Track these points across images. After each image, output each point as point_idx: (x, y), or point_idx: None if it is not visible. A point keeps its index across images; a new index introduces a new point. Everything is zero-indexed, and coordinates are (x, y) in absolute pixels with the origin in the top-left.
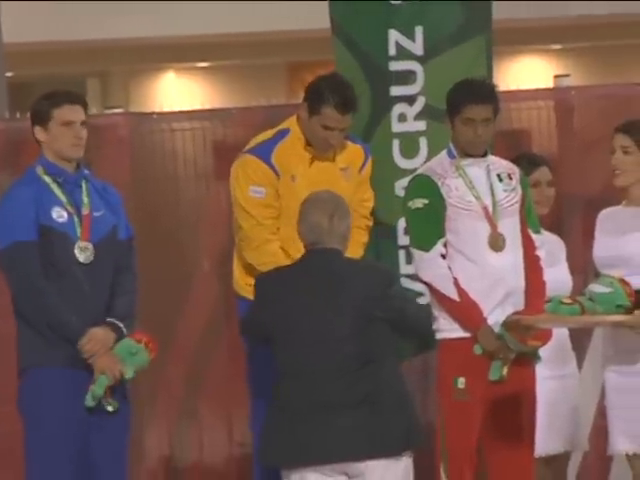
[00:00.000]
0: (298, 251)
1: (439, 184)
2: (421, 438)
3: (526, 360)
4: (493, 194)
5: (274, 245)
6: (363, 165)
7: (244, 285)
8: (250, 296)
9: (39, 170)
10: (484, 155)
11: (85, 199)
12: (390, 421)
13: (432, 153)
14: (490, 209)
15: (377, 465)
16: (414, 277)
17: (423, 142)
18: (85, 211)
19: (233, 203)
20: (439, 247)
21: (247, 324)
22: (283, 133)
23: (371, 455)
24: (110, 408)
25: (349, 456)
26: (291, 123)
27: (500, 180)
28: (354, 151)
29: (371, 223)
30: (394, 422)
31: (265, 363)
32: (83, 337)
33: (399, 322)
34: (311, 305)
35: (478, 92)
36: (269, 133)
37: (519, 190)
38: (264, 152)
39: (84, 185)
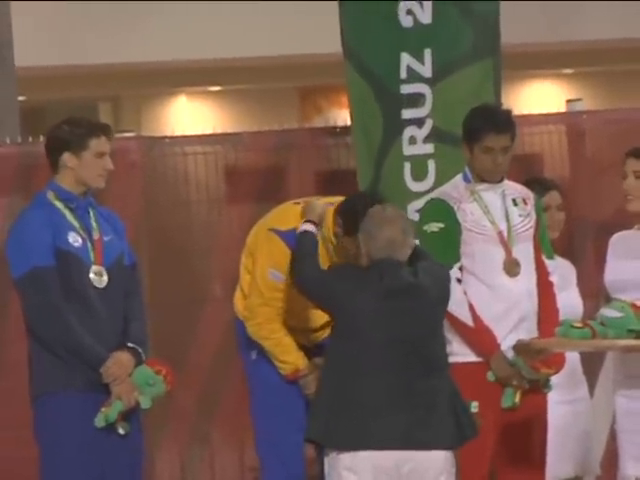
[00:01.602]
0: (299, 320)
1: (455, 208)
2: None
3: (538, 386)
4: (508, 219)
5: (276, 325)
6: None
7: (243, 312)
8: None
9: (50, 195)
10: (499, 180)
11: (94, 224)
12: (445, 418)
13: (439, 176)
14: (505, 234)
15: (435, 465)
16: None
17: (431, 165)
18: (96, 236)
19: (247, 255)
20: (454, 271)
21: (318, 281)
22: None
23: (431, 446)
24: (122, 431)
25: (410, 444)
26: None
27: (515, 205)
28: None
29: None
30: (447, 419)
31: (267, 383)
32: (107, 361)
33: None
34: (383, 309)
35: (498, 121)
36: (299, 219)
37: (533, 215)
38: (293, 241)
39: (91, 211)
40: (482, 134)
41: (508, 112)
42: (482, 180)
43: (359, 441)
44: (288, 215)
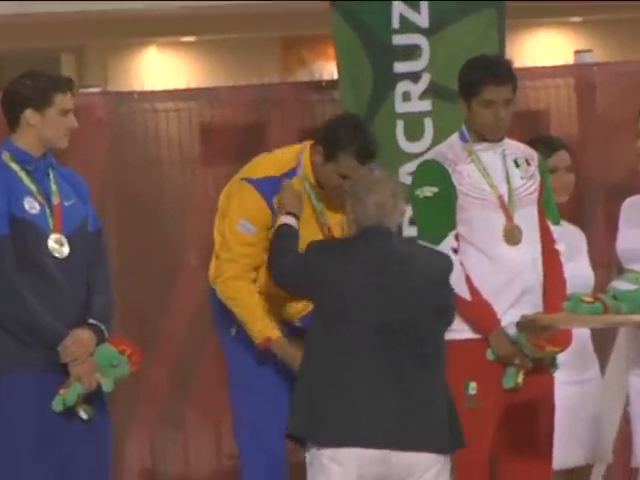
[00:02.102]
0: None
1: (450, 171)
2: (463, 439)
3: (543, 366)
4: (509, 182)
5: (242, 282)
6: None
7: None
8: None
9: (5, 156)
10: (499, 139)
11: (54, 188)
12: (439, 419)
13: (438, 136)
14: (506, 198)
15: (426, 459)
16: None
17: (428, 123)
18: (55, 200)
19: (220, 218)
20: (450, 240)
21: (295, 264)
22: (290, 174)
23: (420, 448)
24: (84, 415)
25: (398, 444)
26: (293, 156)
27: (517, 166)
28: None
29: None
30: (442, 420)
31: (246, 362)
32: (66, 339)
33: (448, 315)
34: (374, 284)
35: (497, 72)
36: (274, 167)
37: (537, 177)
38: (268, 190)
39: (52, 173)
40: (481, 86)
41: (508, 62)
42: (481, 139)
43: (344, 438)
44: (262, 163)
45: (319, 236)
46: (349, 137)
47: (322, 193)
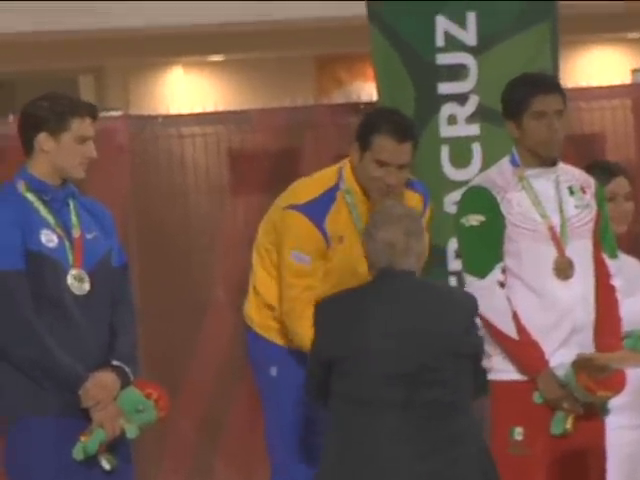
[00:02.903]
0: None
1: (498, 198)
2: None
3: (594, 410)
4: (562, 211)
5: (308, 322)
6: (421, 216)
7: (259, 322)
8: (266, 334)
9: (21, 186)
10: (553, 164)
11: (74, 219)
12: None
13: (487, 162)
14: (558, 229)
15: None
16: None
17: (477, 149)
18: (76, 233)
19: (257, 251)
20: (496, 273)
21: (315, 357)
22: (332, 191)
23: None
24: (107, 465)
25: None
26: (334, 172)
27: (572, 194)
28: (411, 200)
29: None
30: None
31: (286, 402)
32: (87, 381)
33: (477, 360)
34: (386, 334)
35: (544, 82)
36: (316, 187)
37: (594, 206)
38: (317, 214)
39: (72, 204)
40: (529, 98)
41: (552, 76)
42: (534, 162)
43: None
44: (303, 187)
45: (362, 259)
46: (380, 118)
47: (367, 204)
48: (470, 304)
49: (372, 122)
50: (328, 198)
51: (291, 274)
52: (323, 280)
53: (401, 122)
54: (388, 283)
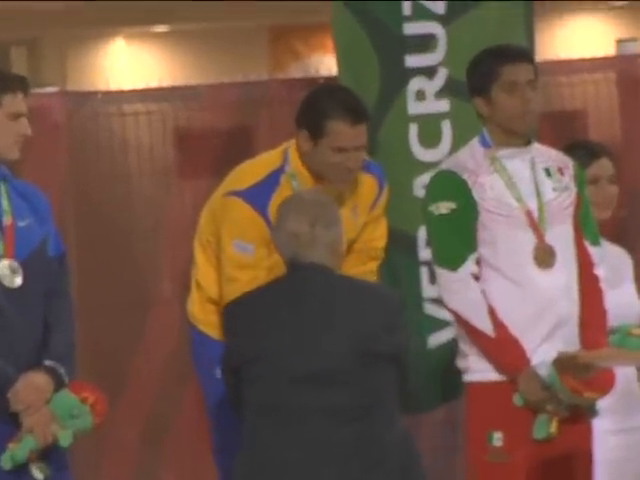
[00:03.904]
0: None
1: (469, 183)
2: None
3: (580, 412)
4: (539, 194)
5: None
6: (376, 200)
7: (203, 319)
8: (211, 331)
9: None
10: (527, 144)
11: (5, 205)
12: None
13: (458, 141)
14: (535, 214)
15: None
16: (440, 302)
17: (446, 127)
18: (7, 220)
19: (198, 242)
20: (469, 265)
21: (226, 364)
22: (277, 174)
23: None
24: (39, 475)
25: None
26: (279, 153)
27: (548, 175)
28: (365, 184)
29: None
30: None
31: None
32: (17, 383)
33: (401, 363)
34: (294, 334)
35: (511, 51)
36: (259, 170)
37: (573, 189)
38: (259, 199)
39: (3, 187)
40: (497, 68)
41: (521, 45)
42: (508, 138)
43: None
44: (245, 171)
45: None
46: (328, 102)
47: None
48: (390, 302)
49: (321, 107)
50: (272, 182)
51: (233, 266)
52: (268, 276)
53: (352, 102)
54: (296, 279)
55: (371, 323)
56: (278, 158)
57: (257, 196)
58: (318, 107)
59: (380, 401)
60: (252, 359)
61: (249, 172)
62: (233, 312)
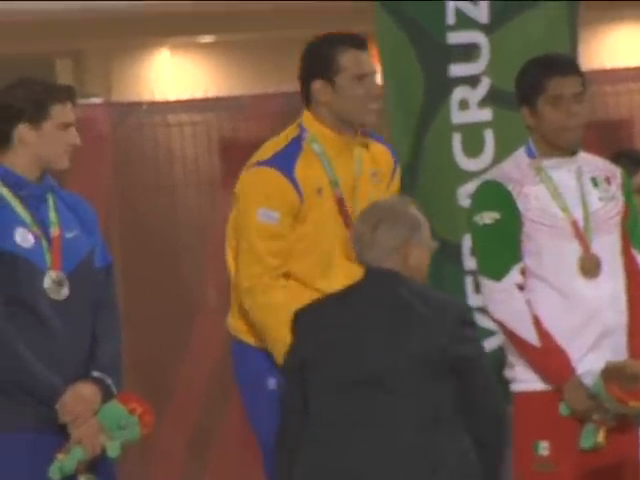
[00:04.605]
0: (329, 285)
1: (514, 194)
2: None
3: (628, 422)
4: (585, 204)
5: (273, 290)
6: (393, 172)
7: (242, 327)
8: (252, 340)
9: None
10: (574, 153)
11: (53, 217)
12: None
13: (500, 150)
14: (581, 224)
15: None
16: (485, 311)
17: (489, 136)
18: (54, 232)
19: (237, 228)
20: (514, 275)
21: (287, 366)
22: (297, 141)
23: None
24: None
25: None
26: (294, 127)
27: (595, 185)
28: (381, 153)
29: None
30: None
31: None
32: (65, 394)
33: (467, 374)
34: (359, 340)
35: (560, 62)
36: (278, 142)
37: (620, 198)
38: (285, 164)
39: (51, 199)
40: (544, 80)
41: (570, 56)
42: (552, 151)
43: None
44: (264, 148)
45: (340, 223)
46: (332, 42)
47: (341, 147)
48: (457, 313)
49: (327, 49)
50: (294, 148)
51: (256, 235)
52: (298, 258)
53: (351, 34)
54: (364, 284)
55: (437, 333)
56: (294, 130)
57: (282, 161)
58: (324, 51)
59: (442, 412)
60: (315, 363)
61: (268, 146)
62: (301, 316)
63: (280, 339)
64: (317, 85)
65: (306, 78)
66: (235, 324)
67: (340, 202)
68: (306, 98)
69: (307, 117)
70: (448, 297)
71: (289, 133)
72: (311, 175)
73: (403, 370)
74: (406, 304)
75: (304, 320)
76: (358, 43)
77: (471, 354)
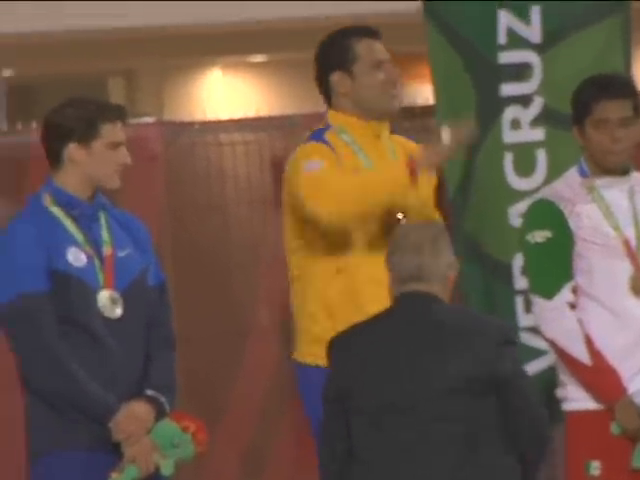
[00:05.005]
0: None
1: (566, 212)
2: None
3: None
4: (637, 223)
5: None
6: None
7: (306, 351)
8: (318, 361)
9: (46, 200)
10: (626, 172)
11: (105, 235)
12: None
13: (552, 170)
14: (633, 243)
15: None
16: (536, 330)
17: (541, 155)
18: (107, 251)
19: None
20: (565, 293)
21: (327, 394)
22: (322, 131)
23: None
24: None
25: None
26: (320, 126)
27: None
28: (408, 143)
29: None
30: None
31: None
32: (118, 413)
33: (505, 395)
34: (401, 363)
35: (610, 85)
36: (310, 142)
37: None
38: (315, 136)
39: (103, 218)
40: (592, 104)
41: (627, 77)
42: (602, 172)
43: None
44: (300, 149)
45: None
46: (345, 34)
47: (369, 134)
48: (499, 333)
49: (342, 39)
50: (321, 130)
51: (305, 185)
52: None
53: (359, 25)
54: (408, 309)
55: (479, 352)
56: (318, 127)
57: (311, 137)
58: (338, 42)
59: (483, 432)
60: (357, 389)
61: (305, 147)
62: (337, 343)
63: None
64: (335, 77)
65: (324, 73)
66: (301, 348)
67: None
68: (327, 97)
69: (331, 114)
70: (488, 317)
71: (314, 132)
72: (345, 165)
73: (443, 392)
74: (444, 326)
75: (339, 347)
76: (371, 32)
77: (509, 374)
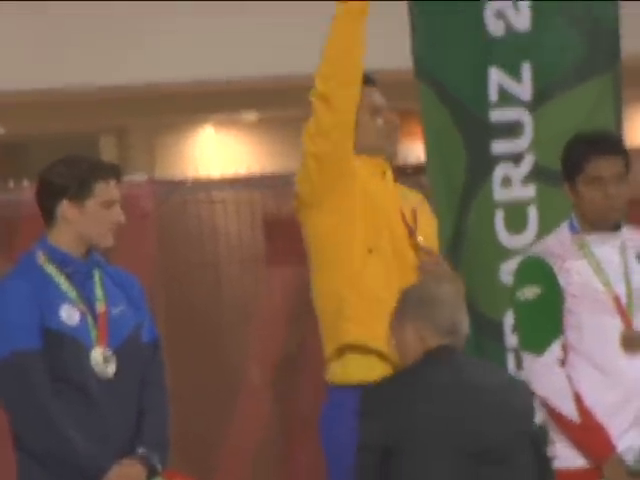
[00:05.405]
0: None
1: (555, 268)
2: None
3: None
4: (628, 280)
5: None
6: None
7: (338, 369)
8: (352, 379)
9: (40, 258)
10: (617, 228)
11: (99, 293)
12: None
13: (544, 227)
14: (624, 300)
15: None
16: None
17: (532, 212)
18: (100, 308)
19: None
20: (555, 350)
21: (367, 444)
22: None
23: None
24: None
25: None
26: None
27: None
28: (416, 195)
29: None
30: None
31: None
32: (109, 472)
33: (542, 446)
34: (445, 414)
35: (602, 142)
36: None
37: None
38: None
39: (97, 275)
40: (583, 161)
41: (617, 135)
42: (593, 228)
43: None
44: None
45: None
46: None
47: (378, 173)
48: (526, 386)
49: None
50: None
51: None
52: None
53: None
54: (442, 361)
55: (520, 403)
56: None
57: None
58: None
59: None
60: (400, 440)
61: None
62: (374, 393)
63: None
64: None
65: None
66: (332, 366)
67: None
68: None
69: None
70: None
71: None
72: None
73: (495, 441)
74: (481, 376)
75: (376, 399)
76: (368, 80)
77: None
